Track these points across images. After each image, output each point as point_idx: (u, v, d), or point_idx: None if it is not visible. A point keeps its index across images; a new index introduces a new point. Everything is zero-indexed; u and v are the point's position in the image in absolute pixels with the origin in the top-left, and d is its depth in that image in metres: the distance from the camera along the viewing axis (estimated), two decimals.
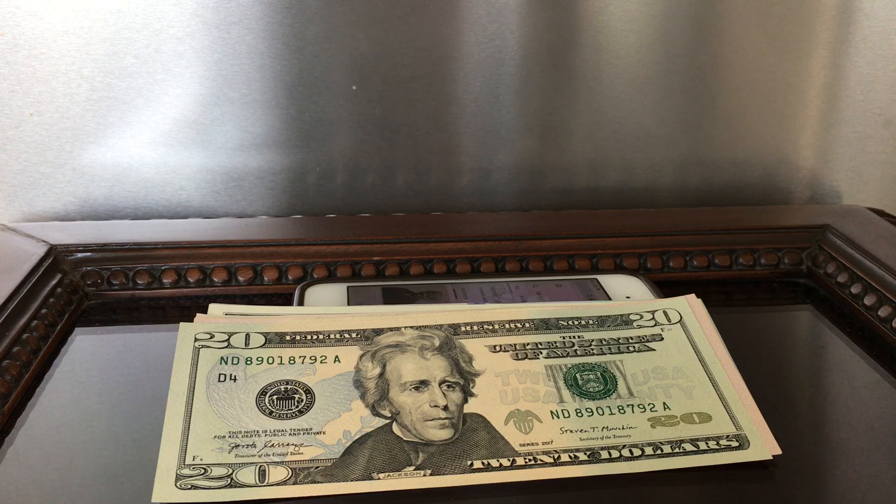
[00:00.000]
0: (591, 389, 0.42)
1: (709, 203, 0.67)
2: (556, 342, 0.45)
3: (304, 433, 0.39)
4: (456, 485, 0.37)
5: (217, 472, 0.37)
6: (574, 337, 0.45)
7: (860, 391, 0.45)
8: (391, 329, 0.45)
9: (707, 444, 0.39)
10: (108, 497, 0.37)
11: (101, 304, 0.53)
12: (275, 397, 0.41)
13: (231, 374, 0.42)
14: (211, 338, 0.43)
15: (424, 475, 0.37)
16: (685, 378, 0.43)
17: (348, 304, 0.50)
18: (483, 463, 0.38)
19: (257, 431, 0.39)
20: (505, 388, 0.42)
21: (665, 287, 0.53)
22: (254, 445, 0.38)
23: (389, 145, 0.63)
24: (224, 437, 0.38)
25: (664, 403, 0.41)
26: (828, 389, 0.47)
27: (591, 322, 0.46)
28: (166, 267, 0.54)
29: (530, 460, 0.38)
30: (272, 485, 0.36)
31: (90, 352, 0.48)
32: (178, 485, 0.36)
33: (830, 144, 0.66)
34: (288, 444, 0.38)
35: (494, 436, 0.39)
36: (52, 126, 0.60)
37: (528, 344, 0.44)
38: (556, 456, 0.38)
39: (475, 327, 0.45)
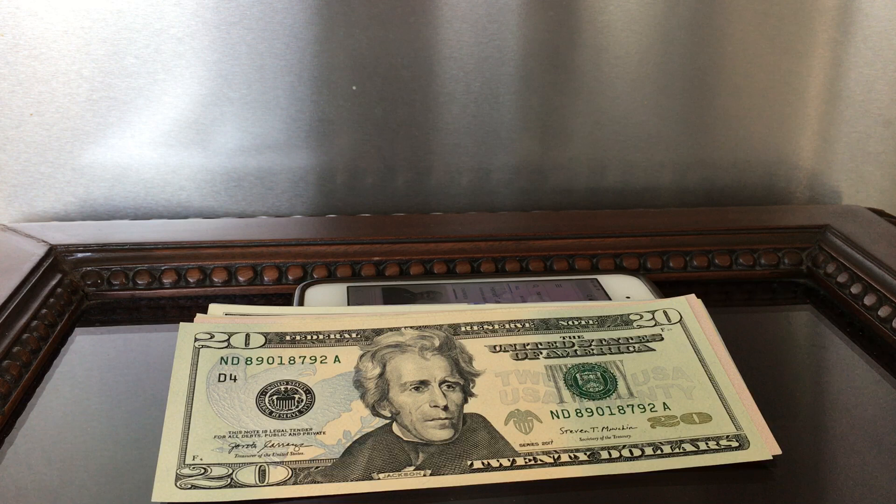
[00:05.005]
0: (591, 389, 0.42)
1: (709, 203, 0.67)
2: (556, 342, 0.45)
3: (304, 433, 0.39)
4: (456, 485, 0.37)
5: (217, 471, 0.37)
6: (574, 337, 0.45)
7: (860, 391, 0.45)
8: (391, 329, 0.45)
9: (707, 444, 0.39)
10: (108, 497, 0.37)
11: (101, 304, 0.53)
12: (275, 397, 0.41)
13: (231, 374, 0.42)
14: (211, 338, 0.43)
15: (424, 475, 0.37)
16: (685, 378, 0.43)
17: (348, 304, 0.50)
18: (483, 463, 0.38)
19: (257, 431, 0.39)
20: (505, 389, 0.42)
21: (665, 287, 0.53)
22: (254, 445, 0.38)
23: (389, 145, 0.63)
24: (224, 437, 0.38)
25: (664, 403, 0.41)
26: (828, 389, 0.47)
27: (591, 322, 0.46)
28: (166, 267, 0.54)
29: (530, 460, 0.38)
30: (272, 485, 0.36)
31: (90, 352, 0.48)
32: (178, 484, 0.36)
33: (830, 144, 0.66)
34: (288, 444, 0.38)
35: (494, 436, 0.39)
36: (52, 126, 0.60)
37: (528, 344, 0.44)
38: (556, 456, 0.38)
39: (475, 327, 0.45)
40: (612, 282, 0.53)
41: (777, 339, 0.53)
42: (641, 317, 0.47)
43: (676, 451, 0.39)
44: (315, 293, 0.51)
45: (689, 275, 0.57)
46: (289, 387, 0.41)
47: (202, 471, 0.37)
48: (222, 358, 0.42)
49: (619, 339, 0.45)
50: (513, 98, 0.63)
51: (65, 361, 0.47)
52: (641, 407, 0.41)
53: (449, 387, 0.41)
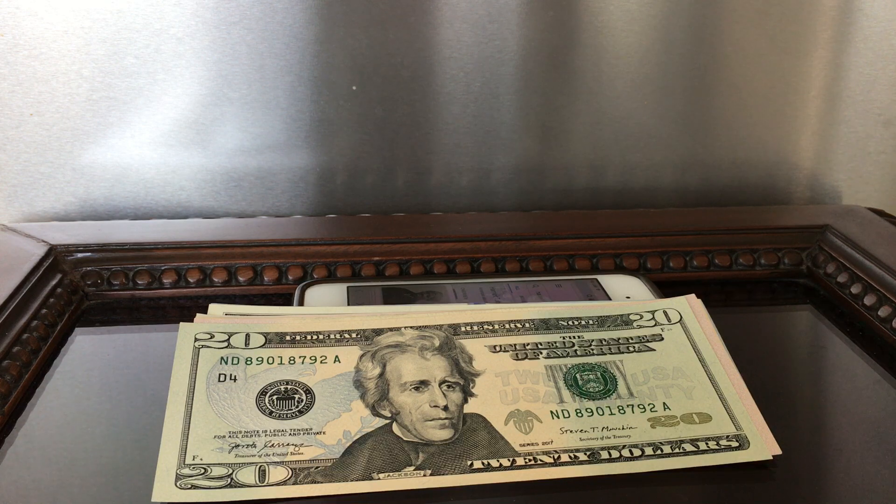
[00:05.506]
0: (591, 389, 0.42)
1: (709, 203, 0.67)
2: (556, 342, 0.45)
3: (304, 433, 0.39)
4: (456, 485, 0.37)
5: (217, 471, 0.37)
6: (574, 337, 0.45)
7: (860, 391, 0.45)
8: (391, 329, 0.45)
9: (707, 444, 0.39)
10: (108, 497, 0.37)
11: (101, 304, 0.53)
12: (275, 397, 0.41)
13: (231, 374, 0.42)
14: (211, 338, 0.43)
15: (424, 475, 0.37)
16: (685, 378, 0.43)
17: (348, 304, 0.50)
18: (483, 463, 0.38)
19: (257, 431, 0.39)
20: (505, 389, 0.42)
21: (665, 287, 0.53)
22: (254, 445, 0.38)
23: (389, 145, 0.63)
24: (224, 437, 0.38)
25: (664, 403, 0.41)
26: (828, 389, 0.47)
27: (591, 322, 0.46)
28: (166, 267, 0.54)
29: (530, 460, 0.38)
30: (272, 485, 0.36)
31: (90, 352, 0.48)
32: (178, 484, 0.36)
33: (830, 144, 0.66)
34: (288, 444, 0.38)
35: (494, 436, 0.39)
36: (52, 126, 0.60)
37: (528, 344, 0.44)
38: (556, 456, 0.38)
39: (475, 327, 0.45)
40: (612, 282, 0.53)
41: (777, 339, 0.53)
42: (641, 317, 0.47)
43: (676, 451, 0.39)
44: (315, 293, 0.51)
45: (689, 275, 0.57)
46: (289, 387, 0.41)
47: (202, 471, 0.37)
48: (222, 358, 0.42)
49: (619, 339, 0.45)
50: (513, 98, 0.63)
51: (65, 361, 0.47)
52: (641, 407, 0.41)
53: (449, 387, 0.41)
